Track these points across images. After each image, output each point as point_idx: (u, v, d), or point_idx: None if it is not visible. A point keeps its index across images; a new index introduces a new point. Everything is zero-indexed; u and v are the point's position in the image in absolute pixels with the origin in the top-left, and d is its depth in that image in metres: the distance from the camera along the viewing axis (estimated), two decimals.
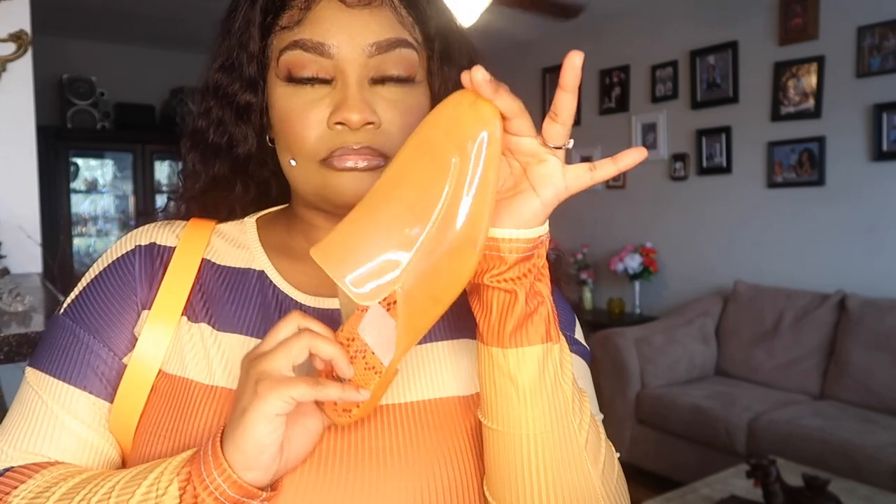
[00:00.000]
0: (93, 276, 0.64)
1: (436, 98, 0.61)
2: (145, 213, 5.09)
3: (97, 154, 5.09)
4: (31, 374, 0.60)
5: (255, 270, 0.64)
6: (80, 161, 4.99)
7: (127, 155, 5.04)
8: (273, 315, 0.61)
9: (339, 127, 0.56)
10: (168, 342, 0.60)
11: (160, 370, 0.59)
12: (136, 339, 0.61)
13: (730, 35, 3.80)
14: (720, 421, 2.96)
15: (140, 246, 0.63)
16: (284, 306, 0.61)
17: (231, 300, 0.61)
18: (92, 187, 5.03)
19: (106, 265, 0.64)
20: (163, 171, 5.36)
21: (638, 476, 3.29)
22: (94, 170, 5.13)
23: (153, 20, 4.60)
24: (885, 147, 3.21)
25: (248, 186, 0.67)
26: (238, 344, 0.59)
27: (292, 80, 0.57)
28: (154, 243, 0.64)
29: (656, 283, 4.19)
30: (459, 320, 0.62)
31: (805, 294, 3.35)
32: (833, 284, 3.34)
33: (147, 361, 0.60)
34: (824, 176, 3.44)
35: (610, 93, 4.48)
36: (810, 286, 3.42)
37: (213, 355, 0.59)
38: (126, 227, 5.16)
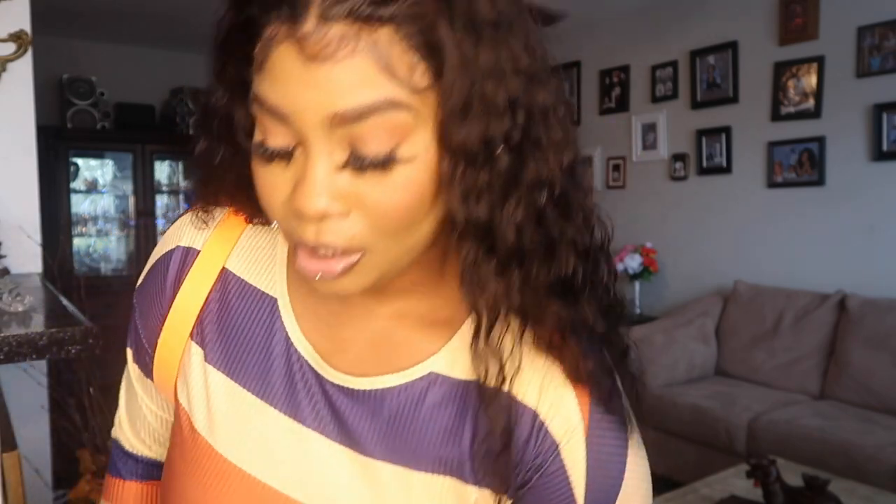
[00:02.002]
0: (149, 263, 0.60)
1: (440, 172, 0.43)
2: (145, 214, 5.08)
3: (97, 154, 5.09)
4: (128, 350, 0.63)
5: (270, 298, 0.55)
6: (80, 161, 4.99)
7: (127, 155, 5.04)
8: (276, 368, 0.54)
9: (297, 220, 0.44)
10: (179, 364, 0.57)
11: (176, 396, 0.57)
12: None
13: (730, 35, 3.80)
14: (720, 421, 2.96)
15: (178, 249, 0.58)
16: (285, 358, 0.54)
17: (244, 338, 0.55)
18: (92, 187, 5.03)
19: (151, 263, 0.60)
20: (163, 171, 5.36)
21: None
22: (94, 170, 5.13)
23: (153, 20, 4.60)
24: (885, 147, 3.21)
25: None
26: (238, 400, 0.54)
27: (259, 147, 0.44)
28: (184, 247, 0.57)
29: (656, 283, 4.19)
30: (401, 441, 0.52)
31: (805, 294, 3.35)
32: (833, 284, 3.34)
33: (166, 381, 0.59)
34: (824, 176, 3.44)
35: (610, 93, 4.48)
36: (810, 286, 3.42)
37: (217, 408, 0.54)
38: (126, 227, 5.16)
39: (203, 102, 0.52)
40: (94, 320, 1.15)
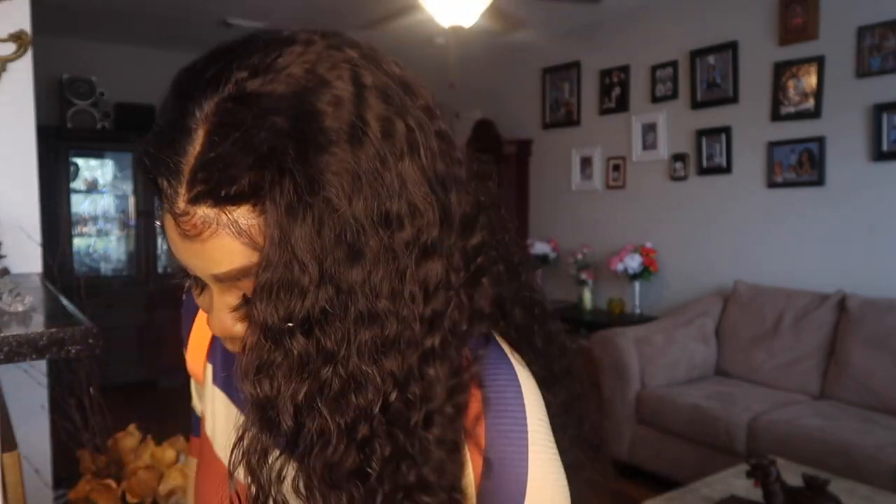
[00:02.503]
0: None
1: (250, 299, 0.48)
2: (145, 214, 5.08)
3: (97, 154, 5.09)
4: None
5: None
6: (80, 161, 4.99)
7: (127, 155, 5.04)
8: None
9: None
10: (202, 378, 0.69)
11: (204, 425, 0.68)
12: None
13: (730, 35, 3.80)
14: (720, 421, 2.96)
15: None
16: None
17: (230, 356, 0.61)
18: (92, 187, 5.03)
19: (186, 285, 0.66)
20: None
21: (638, 476, 3.29)
22: (94, 170, 5.13)
23: (153, 20, 4.61)
24: (885, 147, 3.21)
25: None
26: (229, 413, 0.65)
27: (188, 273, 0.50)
28: None
29: (656, 283, 4.19)
30: None
31: (805, 294, 3.35)
32: (833, 284, 3.34)
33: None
34: (824, 176, 3.44)
35: (610, 93, 4.48)
36: (810, 286, 3.42)
37: (217, 420, 0.65)
38: (126, 227, 5.16)
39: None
40: (94, 320, 1.15)
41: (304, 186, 0.41)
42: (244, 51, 0.45)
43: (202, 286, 0.50)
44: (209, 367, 0.67)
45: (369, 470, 0.45)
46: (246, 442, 0.47)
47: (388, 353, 0.45)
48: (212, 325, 0.49)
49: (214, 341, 0.67)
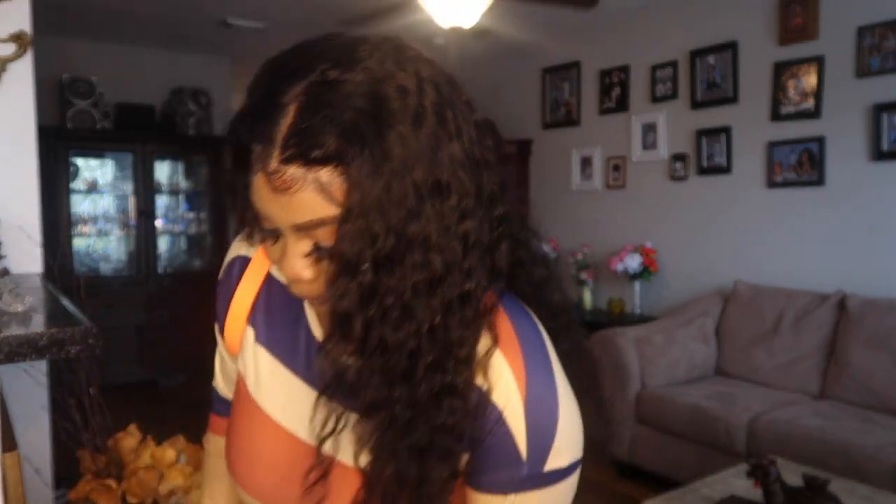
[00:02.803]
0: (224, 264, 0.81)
1: (335, 244, 0.57)
2: (145, 214, 5.08)
3: (97, 154, 5.09)
4: None
5: (297, 299, 0.72)
6: (80, 161, 4.99)
7: (127, 155, 5.04)
8: (303, 348, 0.71)
9: None
10: (239, 343, 0.77)
11: (240, 378, 0.76)
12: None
13: (730, 35, 3.80)
14: (720, 421, 2.96)
15: (237, 258, 0.79)
16: (308, 341, 0.71)
17: (277, 319, 0.74)
18: (92, 187, 5.03)
19: (223, 267, 0.80)
20: (163, 171, 5.36)
21: (638, 476, 3.29)
22: (94, 170, 5.13)
23: (153, 20, 4.61)
24: (885, 147, 3.21)
25: None
26: (277, 372, 0.72)
27: (260, 226, 0.60)
28: (240, 257, 0.78)
29: (656, 283, 4.19)
30: None
31: (805, 294, 3.35)
32: (833, 284, 3.34)
33: (234, 356, 0.79)
34: (824, 176, 3.44)
35: (610, 93, 4.48)
36: (810, 286, 3.42)
37: (263, 377, 0.73)
38: (126, 227, 5.16)
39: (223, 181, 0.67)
40: (94, 320, 1.15)
41: (378, 156, 0.52)
42: (326, 46, 0.56)
43: (276, 238, 0.59)
44: (250, 330, 0.75)
45: (415, 373, 0.57)
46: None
47: (435, 291, 0.56)
48: (285, 270, 0.59)
49: (256, 306, 0.76)
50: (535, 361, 0.63)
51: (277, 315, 0.74)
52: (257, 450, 0.71)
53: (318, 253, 0.57)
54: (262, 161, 0.54)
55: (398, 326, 0.56)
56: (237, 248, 0.80)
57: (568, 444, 0.62)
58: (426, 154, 0.54)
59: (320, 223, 0.55)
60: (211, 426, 0.90)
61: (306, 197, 0.54)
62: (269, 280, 0.77)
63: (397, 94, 0.53)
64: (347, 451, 0.64)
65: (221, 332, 0.81)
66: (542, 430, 0.61)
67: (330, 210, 0.54)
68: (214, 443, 0.90)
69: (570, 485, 0.64)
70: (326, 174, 0.53)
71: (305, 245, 0.58)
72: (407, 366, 0.58)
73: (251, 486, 0.71)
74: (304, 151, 0.52)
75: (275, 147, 0.53)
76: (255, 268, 0.77)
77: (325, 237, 0.56)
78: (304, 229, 0.56)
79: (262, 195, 0.56)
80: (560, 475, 0.62)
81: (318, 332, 0.71)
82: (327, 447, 0.65)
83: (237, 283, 0.78)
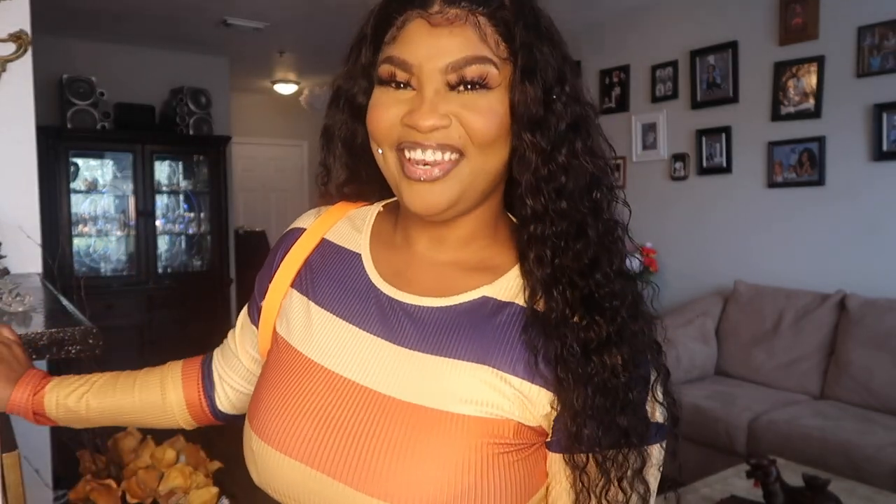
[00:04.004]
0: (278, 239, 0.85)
1: (514, 108, 0.65)
2: (145, 214, 5.08)
3: (97, 154, 5.09)
4: None
5: (355, 253, 0.77)
6: (80, 161, 4.99)
7: (127, 155, 5.04)
8: (356, 297, 0.73)
9: (410, 129, 0.65)
10: (279, 307, 0.79)
11: (275, 329, 0.78)
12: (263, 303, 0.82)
13: (730, 35, 3.80)
14: (720, 421, 2.96)
15: (292, 230, 0.83)
16: (365, 290, 0.73)
17: (330, 277, 0.76)
18: (92, 187, 5.03)
19: (279, 239, 0.84)
20: (163, 171, 5.36)
21: None
22: (94, 170, 5.13)
23: (153, 20, 4.61)
24: (885, 147, 3.21)
25: (369, 174, 0.77)
26: (328, 322, 0.73)
27: (382, 82, 0.66)
28: (296, 228, 0.82)
29: (656, 283, 4.19)
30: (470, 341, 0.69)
31: (805, 294, 3.35)
32: (833, 284, 3.34)
33: (268, 321, 0.80)
34: (824, 176, 3.44)
35: (610, 93, 4.48)
36: (810, 286, 3.42)
37: (314, 330, 0.73)
38: (126, 227, 5.16)
39: (335, 86, 0.76)
40: (94, 320, 1.15)
41: (533, 23, 0.65)
42: None
43: (406, 85, 0.65)
44: (296, 295, 0.77)
45: (587, 233, 0.67)
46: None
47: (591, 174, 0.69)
48: (419, 117, 0.63)
49: (303, 271, 0.78)
50: None
51: (334, 276, 0.77)
52: (303, 400, 0.69)
53: (457, 83, 0.63)
54: (419, 8, 0.64)
55: (566, 196, 0.66)
56: (301, 220, 0.83)
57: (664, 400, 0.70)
58: (557, 53, 0.68)
59: (475, 59, 0.62)
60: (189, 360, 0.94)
61: (466, 35, 0.63)
62: (322, 245, 0.80)
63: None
64: (400, 387, 0.66)
65: (254, 306, 0.83)
66: (645, 381, 0.67)
67: (484, 51, 0.63)
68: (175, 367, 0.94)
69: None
70: (484, 20, 0.63)
71: (444, 88, 0.64)
72: (577, 230, 0.66)
73: (291, 441, 0.67)
74: None
75: None
76: (308, 238, 0.81)
77: (470, 76, 0.63)
78: (457, 67, 0.62)
79: (416, 39, 0.63)
80: (665, 431, 0.69)
81: (381, 284, 0.73)
82: (382, 384, 0.66)
83: (287, 251, 0.80)
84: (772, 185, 3.65)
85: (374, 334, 0.70)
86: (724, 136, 3.84)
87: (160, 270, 5.22)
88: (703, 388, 3.25)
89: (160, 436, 2.10)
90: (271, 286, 0.80)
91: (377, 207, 0.81)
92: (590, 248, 0.66)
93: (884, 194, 3.25)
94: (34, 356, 1.06)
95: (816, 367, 3.19)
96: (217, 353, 0.91)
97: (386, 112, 0.66)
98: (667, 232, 4.16)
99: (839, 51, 3.35)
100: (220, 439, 1.56)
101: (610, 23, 4.44)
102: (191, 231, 5.49)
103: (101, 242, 5.18)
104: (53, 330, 1.08)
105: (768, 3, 3.63)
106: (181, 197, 5.50)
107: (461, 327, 0.67)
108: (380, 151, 0.69)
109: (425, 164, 0.64)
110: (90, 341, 1.09)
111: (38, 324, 1.15)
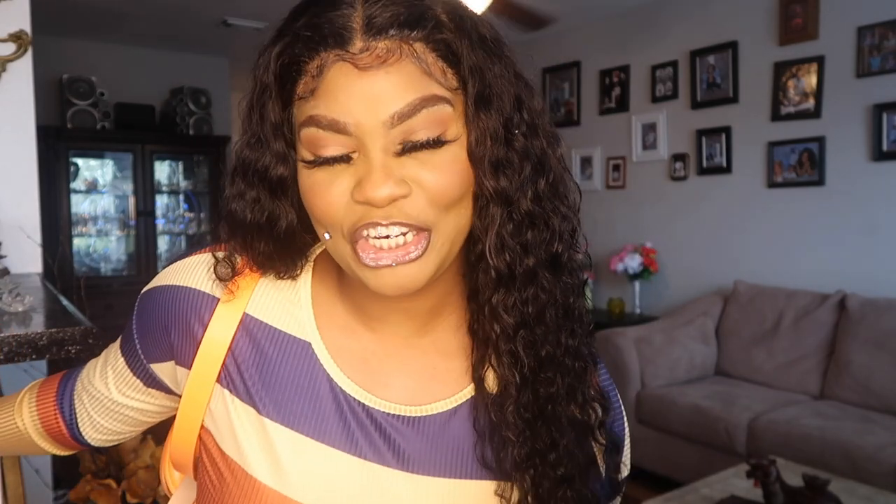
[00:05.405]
0: (151, 288, 0.67)
1: (471, 149, 0.52)
2: (145, 214, 5.08)
3: (97, 154, 5.09)
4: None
5: (302, 342, 0.60)
6: (80, 161, 4.99)
7: (127, 155, 5.04)
8: (320, 406, 0.58)
9: (364, 208, 0.51)
10: (208, 406, 0.61)
11: (219, 448, 0.60)
12: (158, 376, 0.65)
13: (730, 35, 3.80)
14: (720, 421, 2.96)
15: (193, 291, 0.62)
16: (329, 395, 0.58)
17: (277, 376, 0.59)
18: (92, 187, 5.03)
19: (159, 286, 0.66)
20: (163, 171, 5.36)
21: (638, 476, 3.29)
22: (94, 170, 5.13)
23: (153, 20, 4.60)
24: (885, 147, 3.21)
25: (297, 259, 0.61)
26: (299, 447, 0.57)
27: (312, 161, 0.52)
28: (199, 291, 0.61)
29: (656, 283, 4.19)
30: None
31: (805, 294, 3.35)
32: (833, 284, 3.34)
33: (192, 417, 0.62)
34: (824, 176, 3.44)
35: (610, 93, 4.48)
36: (810, 286, 3.42)
37: (282, 458, 0.57)
38: (126, 227, 5.16)
39: (236, 155, 0.58)
40: (94, 320, 1.15)
41: (477, 40, 0.53)
42: None
43: (343, 159, 0.51)
44: (228, 396, 0.59)
45: (555, 248, 0.55)
46: None
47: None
48: (371, 188, 0.49)
49: (232, 364, 0.60)
50: (600, 362, 0.65)
51: (280, 377, 0.59)
52: None
53: (411, 147, 0.50)
54: (337, 48, 0.49)
55: (552, 200, 0.56)
56: (196, 280, 0.62)
57: (629, 454, 0.66)
58: (510, 72, 0.55)
59: (424, 103, 0.49)
60: (43, 386, 0.74)
61: (406, 70, 0.49)
62: (248, 326, 0.60)
63: (471, 13, 0.54)
64: None
65: (145, 370, 0.65)
66: (617, 440, 0.63)
67: (432, 88, 0.50)
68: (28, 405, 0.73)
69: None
70: (421, 49, 0.50)
71: (394, 148, 0.50)
72: (546, 239, 0.56)
73: None
74: (394, 19, 0.49)
75: (354, 31, 0.49)
76: (225, 313, 0.60)
77: (422, 128, 0.50)
78: (404, 117, 0.49)
79: (343, 89, 0.49)
80: (623, 484, 0.65)
81: (349, 385, 0.58)
82: None
83: (206, 325, 0.60)
84: (772, 185, 3.65)
85: (365, 459, 0.57)
86: (724, 136, 3.84)
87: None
88: (703, 388, 3.25)
89: (161, 436, 2.10)
90: (191, 376, 0.60)
91: (307, 271, 0.62)
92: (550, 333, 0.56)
93: (884, 194, 3.25)
94: (34, 356, 1.06)
95: (816, 367, 3.19)
96: (80, 394, 0.72)
97: (328, 193, 0.51)
98: (667, 232, 4.16)
99: (839, 51, 3.35)
100: None
101: (610, 23, 4.44)
102: (191, 231, 5.49)
103: (101, 242, 5.18)
104: (53, 330, 1.08)
105: (768, 4, 3.63)
106: (181, 197, 5.50)
107: (461, 438, 0.58)
108: (326, 236, 0.54)
109: (390, 248, 0.51)
110: (90, 341, 1.09)
111: (38, 324, 1.15)
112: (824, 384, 3.14)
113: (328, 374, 0.58)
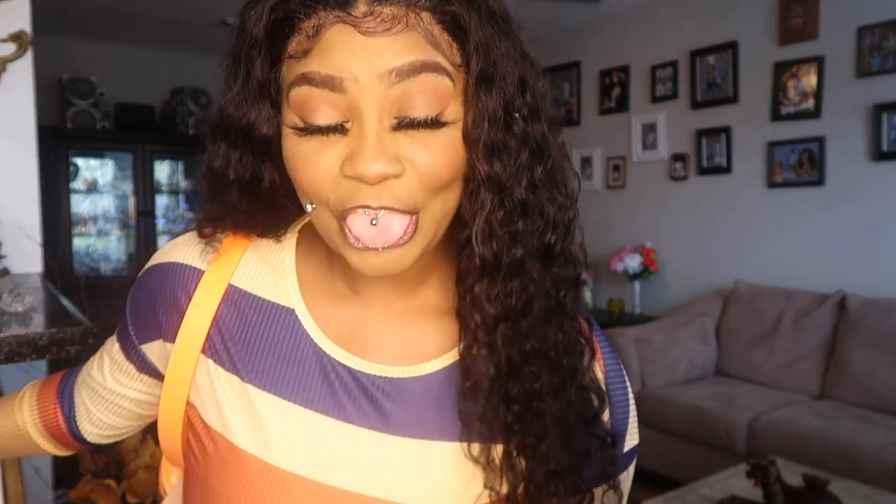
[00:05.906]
0: (142, 272, 0.65)
1: (466, 130, 0.50)
2: (145, 214, 5.08)
3: (97, 154, 5.09)
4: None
5: (285, 308, 0.59)
6: (80, 161, 4.99)
7: (127, 155, 5.04)
8: (305, 372, 0.57)
9: (354, 183, 0.49)
10: (193, 379, 0.60)
11: (203, 422, 0.58)
12: (149, 358, 0.65)
13: (730, 35, 3.80)
14: (720, 421, 2.96)
15: (176, 265, 0.61)
16: (314, 360, 0.57)
17: (261, 343, 0.58)
18: (92, 187, 5.03)
19: (149, 267, 0.64)
20: (163, 171, 5.36)
21: (638, 476, 3.28)
22: (94, 170, 5.13)
23: (153, 20, 4.60)
24: (885, 147, 3.21)
25: (282, 215, 0.61)
26: (284, 413, 0.56)
27: (303, 129, 0.49)
28: (183, 265, 0.61)
29: (656, 283, 4.19)
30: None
31: (805, 294, 3.35)
32: (833, 284, 3.34)
33: (176, 395, 0.61)
34: (824, 176, 3.44)
35: (610, 93, 4.48)
36: (810, 286, 3.42)
37: (267, 426, 0.56)
38: (126, 227, 5.16)
39: (219, 111, 0.56)
40: (94, 320, 1.15)
41: (486, 13, 0.50)
42: None
43: (335, 129, 0.49)
44: (212, 366, 0.58)
45: (548, 238, 0.53)
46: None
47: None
48: (362, 163, 0.47)
49: (215, 335, 0.59)
50: (605, 342, 0.65)
51: (264, 344, 0.58)
52: (232, 496, 0.56)
53: (408, 124, 0.48)
54: (337, 10, 0.47)
55: (549, 189, 0.54)
56: (182, 255, 0.61)
57: (636, 425, 0.65)
58: (516, 51, 0.52)
59: (425, 66, 0.47)
60: (45, 386, 0.74)
61: (411, 38, 0.47)
62: (232, 296, 0.60)
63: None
64: (417, 488, 0.55)
65: (138, 354, 0.65)
66: (623, 409, 0.63)
67: (435, 56, 0.48)
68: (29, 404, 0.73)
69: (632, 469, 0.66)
70: (428, 19, 0.48)
71: (389, 120, 0.48)
72: (538, 227, 0.54)
73: None
74: None
75: None
76: (210, 283, 0.60)
77: (421, 98, 0.48)
78: (403, 75, 0.47)
79: (342, 47, 0.46)
80: (633, 455, 0.65)
81: (334, 349, 0.57)
82: (391, 490, 0.55)
83: (190, 297, 0.60)
84: (772, 185, 3.65)
85: (352, 423, 0.56)
86: (724, 136, 3.84)
87: None
88: (703, 388, 3.25)
89: None
90: (175, 349, 0.60)
91: (291, 238, 0.62)
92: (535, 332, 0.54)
93: (884, 194, 3.24)
94: (34, 356, 1.06)
95: (816, 367, 3.19)
96: (79, 386, 0.72)
97: (316, 164, 0.49)
98: (667, 232, 4.16)
99: (839, 51, 3.35)
100: None
101: (610, 23, 4.43)
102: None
103: (102, 242, 5.18)
104: (53, 330, 1.08)
105: (768, 3, 3.63)
106: (181, 197, 5.50)
107: (444, 399, 0.57)
108: (309, 207, 0.52)
109: (378, 232, 0.49)
110: (90, 341, 1.09)
111: (38, 324, 1.15)
112: (824, 384, 3.14)
113: (312, 340, 0.57)
